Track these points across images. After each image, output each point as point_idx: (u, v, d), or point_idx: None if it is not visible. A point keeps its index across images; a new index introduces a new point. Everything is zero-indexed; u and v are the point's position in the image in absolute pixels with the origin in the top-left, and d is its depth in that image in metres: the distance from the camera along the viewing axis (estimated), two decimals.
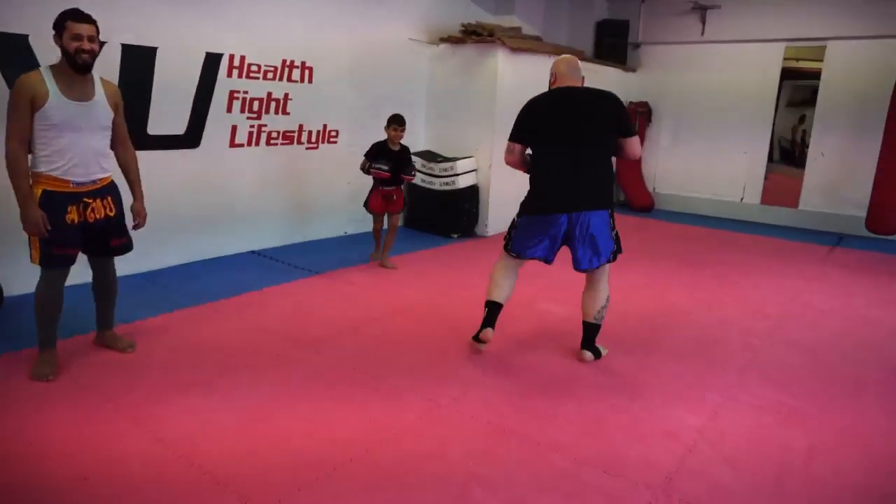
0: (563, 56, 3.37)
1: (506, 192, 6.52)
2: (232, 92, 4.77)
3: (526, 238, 3.23)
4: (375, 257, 5.12)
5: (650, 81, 8.40)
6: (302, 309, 3.98)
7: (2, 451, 2.32)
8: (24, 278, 3.28)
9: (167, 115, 4.40)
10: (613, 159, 3.28)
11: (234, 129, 4.87)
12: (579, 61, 3.39)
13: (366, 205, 4.97)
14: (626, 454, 2.50)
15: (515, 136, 3.25)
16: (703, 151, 8.18)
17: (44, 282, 2.87)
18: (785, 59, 7.67)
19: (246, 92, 4.86)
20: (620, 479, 2.34)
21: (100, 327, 3.24)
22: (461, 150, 6.36)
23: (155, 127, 4.34)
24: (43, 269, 2.85)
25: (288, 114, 5.23)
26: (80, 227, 2.85)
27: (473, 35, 6.15)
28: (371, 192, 4.95)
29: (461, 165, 6.14)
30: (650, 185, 8.64)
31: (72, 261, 2.90)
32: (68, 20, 2.67)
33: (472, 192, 6.29)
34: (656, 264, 5.43)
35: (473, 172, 6.30)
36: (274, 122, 5.14)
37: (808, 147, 9.91)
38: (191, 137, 4.61)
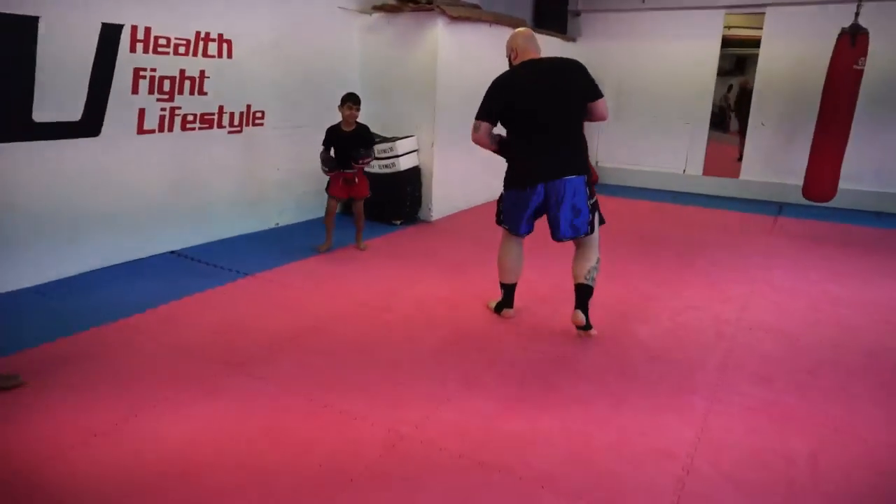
0: (519, 30, 3.34)
1: (451, 173, 6.14)
2: (137, 70, 4.12)
3: (514, 211, 3.29)
4: (324, 248, 4.75)
5: (591, 51, 8.08)
6: (230, 321, 3.46)
7: None
8: None
9: (57, 98, 3.74)
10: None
11: (141, 112, 4.23)
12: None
13: (327, 189, 4.72)
14: (621, 483, 2.19)
15: (483, 115, 3.22)
16: (645, 123, 8.01)
17: None
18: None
19: (154, 69, 4.22)
20: None
21: None
22: (401, 130, 5.89)
23: (42, 113, 3.68)
24: None
25: (205, 94, 4.62)
26: None
27: (410, 3, 5.65)
28: (331, 175, 4.66)
29: (401, 146, 5.68)
30: (593, 159, 8.43)
31: None
32: None
33: (415, 175, 5.86)
34: (612, 245, 5.15)
35: (415, 153, 5.86)
36: (189, 103, 4.53)
37: (732, 112, 10.04)
38: (89, 124, 3.96)
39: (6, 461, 2.19)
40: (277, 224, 5.52)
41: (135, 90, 4.15)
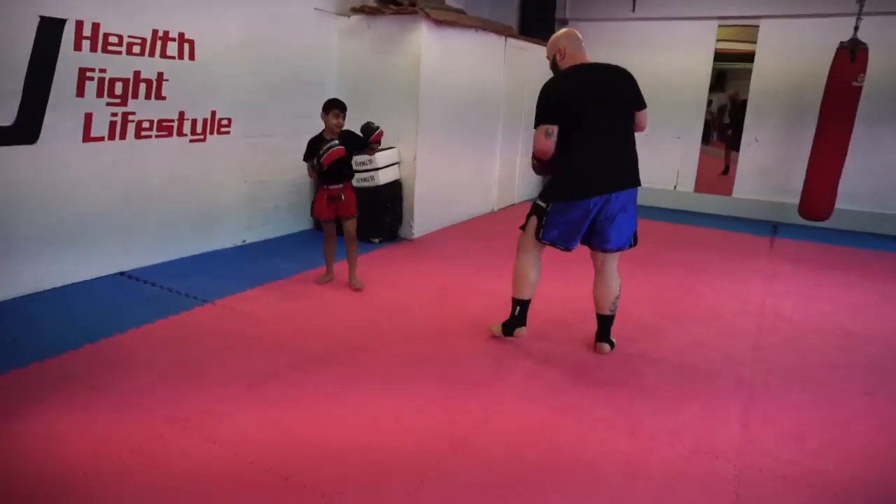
0: (566, 31, 3.17)
1: (434, 188, 5.74)
2: (83, 70, 3.65)
3: (567, 225, 3.07)
4: (324, 279, 4.21)
5: None
6: (181, 367, 2.93)
7: None
8: None
9: None
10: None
11: (88, 118, 3.75)
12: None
13: (311, 211, 4.27)
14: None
15: (551, 118, 2.97)
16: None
17: None
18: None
19: (103, 70, 3.75)
20: None
21: None
22: (381, 139, 5.44)
23: None
24: None
25: (164, 98, 4.15)
26: None
27: (392, 4, 5.25)
28: (315, 194, 4.16)
29: (381, 158, 5.26)
30: None
31: None
32: None
33: (395, 189, 5.43)
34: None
35: (396, 166, 5.44)
36: (145, 108, 4.05)
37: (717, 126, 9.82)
38: (24, 130, 3.47)
39: None
40: (244, 242, 5.04)
41: (80, 93, 3.67)
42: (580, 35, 3.14)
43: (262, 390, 2.75)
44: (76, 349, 3.01)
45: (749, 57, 8.69)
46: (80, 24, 3.56)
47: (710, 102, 11.86)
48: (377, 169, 5.22)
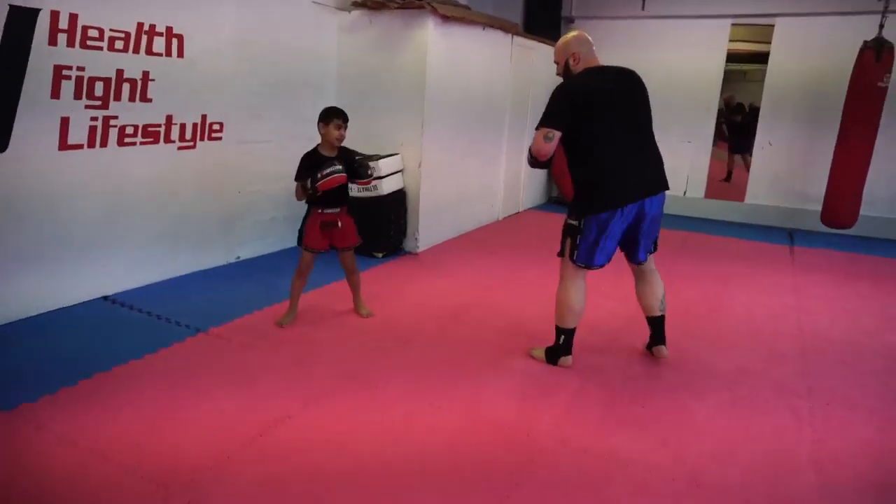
0: (576, 34, 2.97)
1: (438, 196, 5.37)
2: (59, 68, 3.22)
3: (602, 240, 2.86)
4: (286, 320, 3.46)
5: None
6: (174, 414, 2.54)
7: None
8: None
9: None
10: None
11: (64, 122, 3.32)
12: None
13: (300, 241, 3.42)
14: None
15: (556, 122, 2.77)
16: None
17: None
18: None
19: (82, 68, 3.32)
20: None
21: None
22: (383, 147, 5.08)
23: None
24: None
25: (149, 100, 3.73)
26: None
27: None
28: (305, 219, 3.43)
29: (384, 166, 4.87)
30: None
31: None
32: None
33: (399, 199, 5.05)
34: (625, 280, 4.50)
35: (399, 174, 5.06)
36: (129, 112, 3.63)
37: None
38: None
39: None
40: (238, 258, 4.63)
41: (55, 94, 3.24)
42: (590, 38, 2.96)
43: (267, 439, 2.36)
44: (51, 394, 2.59)
45: (753, 57, 8.47)
46: (55, 15, 3.14)
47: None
48: (380, 178, 4.83)
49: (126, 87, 3.56)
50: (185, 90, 3.94)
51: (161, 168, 3.92)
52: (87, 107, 3.39)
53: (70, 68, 3.25)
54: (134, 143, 3.71)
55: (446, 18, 4.97)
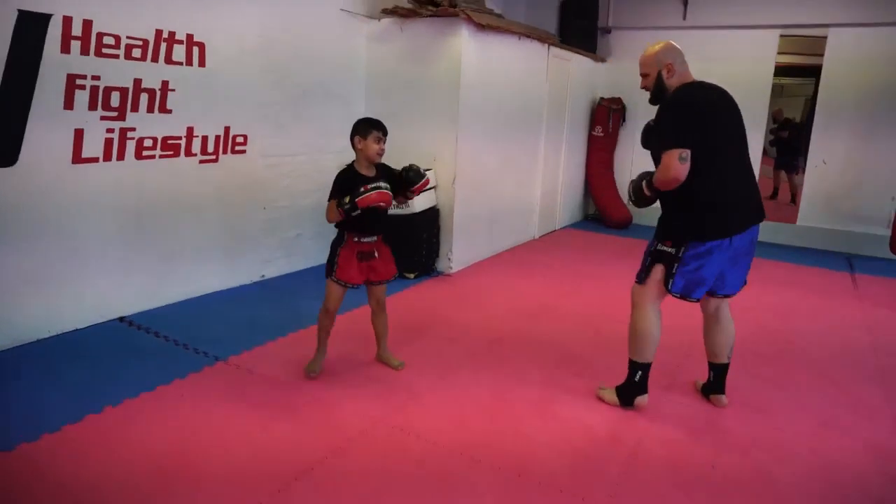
0: (666, 44, 2.67)
1: (473, 214, 5.07)
2: (72, 77, 3.02)
3: (701, 272, 2.58)
4: (314, 369, 2.95)
5: (623, 73, 7.11)
6: (182, 466, 2.27)
7: None
8: None
9: None
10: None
11: (79, 134, 3.12)
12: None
13: (332, 273, 2.86)
14: None
15: (687, 141, 2.44)
16: None
17: None
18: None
19: (97, 77, 3.12)
20: None
21: None
22: (415, 161, 4.72)
23: None
24: None
25: (169, 111, 3.52)
26: None
27: (429, 6, 4.61)
28: (337, 248, 2.88)
29: None
30: (625, 197, 7.43)
31: None
32: None
33: (432, 217, 4.77)
34: (680, 312, 4.14)
35: (432, 190, 4.78)
36: (147, 123, 3.42)
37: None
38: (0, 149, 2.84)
39: None
40: (263, 277, 4.38)
41: (69, 104, 3.03)
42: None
43: (286, 499, 2.07)
44: (51, 433, 2.34)
45: (789, 70, 8.08)
46: (68, 21, 2.94)
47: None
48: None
49: (144, 98, 3.35)
50: (207, 101, 3.72)
51: (182, 182, 3.70)
52: (102, 118, 3.18)
53: (84, 77, 3.05)
54: (153, 157, 3.49)
55: (482, 27, 4.71)
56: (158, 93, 3.42)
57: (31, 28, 2.81)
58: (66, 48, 2.95)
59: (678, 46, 2.67)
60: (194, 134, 3.69)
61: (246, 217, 4.18)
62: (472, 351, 3.38)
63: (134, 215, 3.49)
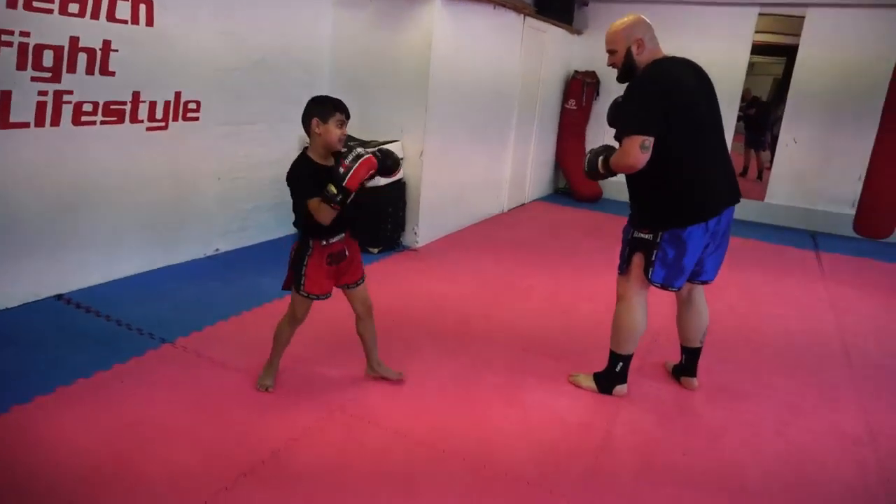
0: (635, 18, 2.50)
1: (441, 188, 4.91)
2: None
3: (681, 259, 2.47)
4: (264, 383, 2.55)
5: (599, 47, 6.58)
6: (123, 450, 2.11)
7: None
8: None
9: None
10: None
11: (5, 97, 2.84)
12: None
13: (300, 288, 2.42)
14: None
15: (649, 128, 2.30)
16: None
17: None
18: None
19: (26, 33, 2.83)
20: None
21: None
22: (381, 133, 4.60)
23: None
24: None
25: (112, 74, 3.24)
26: None
27: None
28: (303, 257, 2.41)
29: None
30: None
31: None
32: None
33: (397, 191, 4.58)
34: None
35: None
36: (86, 86, 3.14)
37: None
38: None
39: None
40: (217, 251, 4.16)
41: None
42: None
43: (231, 494, 1.91)
44: None
45: (770, 49, 8.03)
46: None
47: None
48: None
49: (82, 58, 3.07)
50: (155, 64, 3.45)
51: (127, 151, 3.44)
52: (33, 79, 2.90)
53: (11, 33, 2.76)
54: (93, 123, 3.22)
55: None
56: (99, 53, 3.14)
57: None
58: None
59: (648, 21, 2.50)
60: (140, 99, 3.42)
61: (198, 188, 3.94)
62: (437, 331, 3.25)
63: (74, 184, 3.23)
